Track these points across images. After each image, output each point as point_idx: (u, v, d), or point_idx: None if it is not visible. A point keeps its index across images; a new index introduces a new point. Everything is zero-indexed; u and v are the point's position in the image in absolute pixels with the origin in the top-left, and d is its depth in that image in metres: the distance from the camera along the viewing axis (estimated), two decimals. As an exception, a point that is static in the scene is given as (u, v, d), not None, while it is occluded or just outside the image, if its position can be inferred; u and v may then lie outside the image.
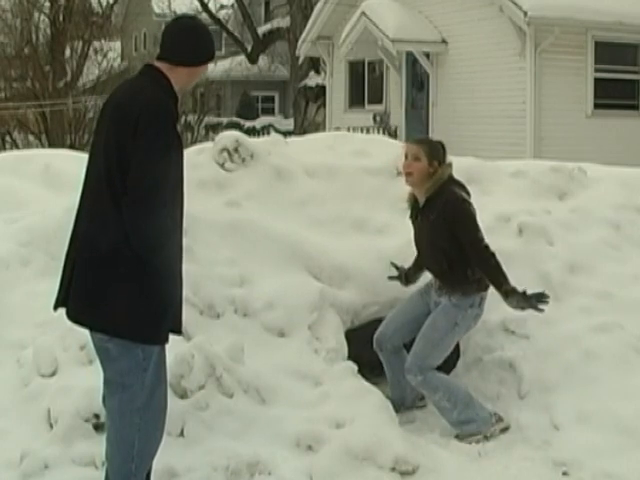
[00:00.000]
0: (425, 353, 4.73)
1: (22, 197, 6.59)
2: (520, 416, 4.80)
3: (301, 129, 25.30)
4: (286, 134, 11.54)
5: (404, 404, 5.05)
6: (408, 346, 4.89)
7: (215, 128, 28.84)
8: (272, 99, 36.58)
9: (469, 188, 4.94)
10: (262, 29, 32.62)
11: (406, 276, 5.11)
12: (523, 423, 4.76)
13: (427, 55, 16.99)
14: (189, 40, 3.57)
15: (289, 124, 28.99)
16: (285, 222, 5.44)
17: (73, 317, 3.49)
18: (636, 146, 14.71)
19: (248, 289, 4.99)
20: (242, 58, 33.63)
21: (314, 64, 26.10)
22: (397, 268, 5.13)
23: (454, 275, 4.74)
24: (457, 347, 5.11)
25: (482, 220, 4.83)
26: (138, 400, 3.46)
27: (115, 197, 3.35)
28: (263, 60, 33.89)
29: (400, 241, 5.40)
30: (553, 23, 14.45)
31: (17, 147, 26.80)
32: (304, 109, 27.41)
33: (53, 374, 4.45)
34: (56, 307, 3.56)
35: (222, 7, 35.87)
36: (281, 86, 35.38)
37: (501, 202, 5.98)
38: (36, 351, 4.53)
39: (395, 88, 18.16)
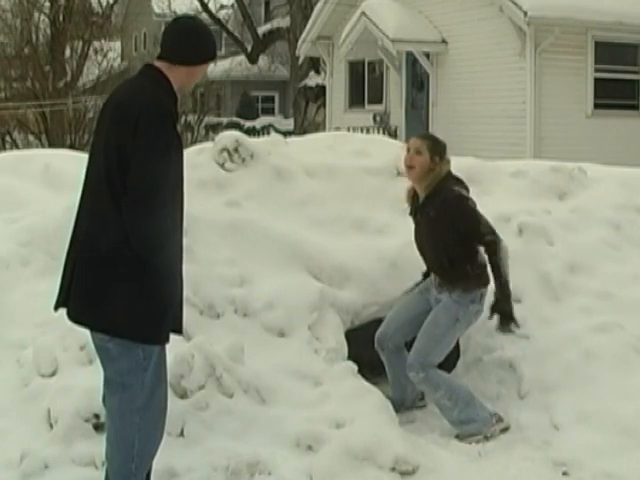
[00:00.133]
0: (427, 350, 4.73)
1: (22, 197, 6.59)
2: (520, 416, 4.80)
3: (301, 129, 25.30)
4: (286, 134, 11.54)
5: (404, 404, 5.05)
6: (409, 345, 4.90)
7: (215, 128, 28.83)
8: (272, 99, 36.57)
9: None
10: (262, 29, 32.62)
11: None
12: (523, 423, 4.76)
13: (427, 55, 16.99)
14: (189, 39, 3.57)
15: (289, 124, 28.99)
16: (285, 222, 5.45)
17: (74, 317, 3.49)
18: (636, 146, 14.71)
19: (248, 289, 4.99)
20: (242, 58, 33.62)
21: (314, 64, 26.10)
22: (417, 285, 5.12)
23: (454, 271, 4.74)
24: (457, 347, 5.11)
25: (482, 220, 4.84)
26: (138, 400, 3.46)
27: (115, 197, 3.35)
28: (263, 60, 33.89)
29: (400, 241, 5.40)
30: (553, 23, 14.45)
31: (17, 147, 26.80)
32: (304, 109, 27.41)
33: (53, 374, 4.45)
34: (57, 307, 3.56)
35: (222, 7, 35.86)
36: (281, 86, 35.38)
37: (501, 202, 5.98)
38: (36, 351, 4.53)
39: (395, 88, 18.16)
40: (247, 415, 4.31)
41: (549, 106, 14.81)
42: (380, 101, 18.67)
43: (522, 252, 5.55)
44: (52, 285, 3.72)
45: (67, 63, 29.88)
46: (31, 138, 28.40)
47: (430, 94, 17.21)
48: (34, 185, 6.92)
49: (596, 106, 15.27)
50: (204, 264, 4.96)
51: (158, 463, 3.70)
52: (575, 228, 5.94)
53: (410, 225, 5.00)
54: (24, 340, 4.73)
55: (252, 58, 32.85)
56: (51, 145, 25.02)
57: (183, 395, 4.27)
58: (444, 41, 16.70)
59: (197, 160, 5.71)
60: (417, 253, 5.01)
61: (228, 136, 5.92)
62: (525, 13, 14.19)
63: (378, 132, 16.92)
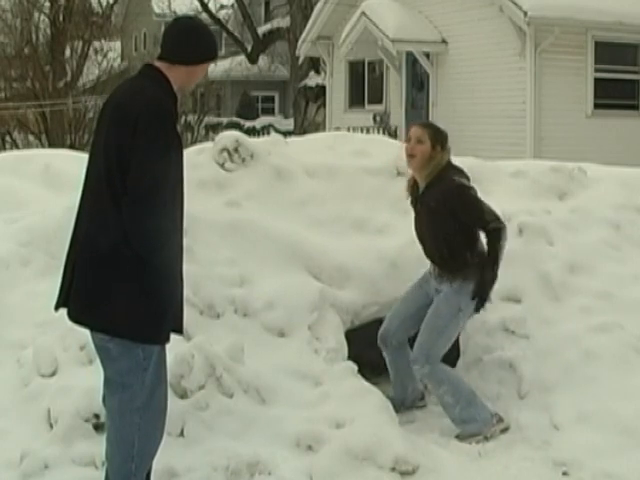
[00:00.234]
0: (431, 342, 4.73)
1: (22, 197, 6.59)
2: (520, 416, 4.80)
3: (301, 129, 25.29)
4: (286, 134, 11.54)
5: (404, 404, 5.05)
6: (412, 341, 4.89)
7: (215, 128, 28.83)
8: (272, 99, 36.56)
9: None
10: (262, 29, 32.61)
11: None
12: (523, 423, 4.76)
13: (427, 55, 16.99)
14: (188, 39, 3.57)
15: (289, 124, 28.98)
16: (285, 222, 5.44)
17: (74, 317, 3.49)
18: (636, 146, 14.71)
19: (248, 289, 4.99)
20: (242, 58, 33.61)
21: (314, 64, 26.09)
22: None
23: (454, 261, 4.74)
24: (457, 347, 5.11)
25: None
26: (138, 400, 3.46)
27: (115, 197, 3.35)
28: (263, 60, 33.88)
29: (400, 241, 5.40)
30: (553, 23, 14.45)
31: (17, 147, 26.79)
32: (304, 109, 27.41)
33: (53, 374, 4.45)
34: (57, 307, 3.57)
35: (222, 7, 35.85)
36: (281, 86, 35.37)
37: (501, 202, 5.96)
38: (36, 351, 4.53)
39: (395, 88, 18.16)
40: (247, 415, 4.31)
41: (549, 106, 14.81)
42: (380, 101, 18.67)
43: (522, 252, 5.55)
44: (52, 285, 3.72)
45: (67, 63, 29.88)
46: (31, 138, 28.40)
47: (430, 94, 17.21)
48: (34, 185, 6.92)
49: (596, 106, 15.27)
50: (204, 264, 4.96)
51: (158, 463, 3.70)
52: (575, 228, 5.94)
53: (410, 225, 5.00)
54: (24, 340, 4.73)
55: (252, 58, 32.85)
56: (51, 145, 25.01)
57: (183, 395, 4.27)
58: (444, 41, 16.70)
59: (197, 160, 5.71)
60: (417, 253, 5.01)
61: (228, 136, 5.92)
62: (525, 13, 14.19)
63: (378, 132, 16.92)
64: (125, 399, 3.46)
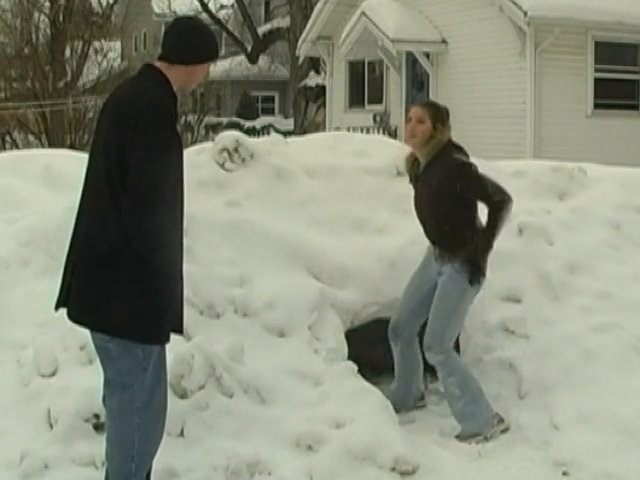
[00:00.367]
0: (443, 326, 4.73)
1: (22, 197, 6.59)
2: (520, 416, 4.80)
3: (301, 129, 25.29)
4: (286, 134, 11.54)
5: (406, 405, 5.03)
6: (420, 337, 4.89)
7: (215, 128, 28.82)
8: (272, 99, 36.55)
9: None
10: (262, 29, 32.61)
11: None
12: (523, 423, 4.76)
13: (427, 55, 16.99)
14: (188, 39, 3.57)
15: (289, 124, 28.98)
16: (285, 222, 5.45)
17: (74, 317, 3.49)
18: (636, 146, 14.71)
19: (248, 289, 4.99)
20: (242, 58, 33.61)
21: (314, 64, 26.09)
22: None
23: (454, 239, 4.73)
24: (457, 346, 5.11)
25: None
26: (138, 400, 3.46)
27: (115, 197, 3.35)
28: (263, 60, 33.87)
29: (400, 241, 5.40)
30: (553, 23, 14.44)
31: (17, 147, 26.79)
32: (304, 109, 27.40)
33: (53, 374, 4.45)
34: (57, 307, 3.57)
35: (222, 7, 35.85)
36: (281, 86, 35.37)
37: (501, 202, 5.98)
38: (36, 351, 4.53)
39: (395, 88, 18.16)
40: (247, 415, 4.31)
41: (549, 106, 14.81)
42: (380, 101, 18.67)
43: (522, 252, 5.56)
44: (52, 285, 3.72)
45: (67, 63, 29.87)
46: (31, 138, 28.39)
47: (430, 94, 17.19)
48: (34, 185, 6.91)
49: (596, 106, 15.27)
50: (204, 264, 4.96)
51: (158, 463, 3.70)
52: (575, 228, 5.94)
53: (410, 225, 5.01)
54: (24, 340, 4.73)
55: (252, 58, 32.84)
56: (51, 145, 25.01)
57: (183, 395, 4.27)
58: (444, 41, 16.69)
59: (197, 160, 5.71)
60: (417, 253, 5.01)
61: (228, 136, 5.92)
62: (525, 13, 14.18)
63: (378, 132, 16.91)
64: (125, 399, 3.47)
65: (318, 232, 5.49)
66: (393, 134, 16.77)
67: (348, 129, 14.09)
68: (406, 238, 5.25)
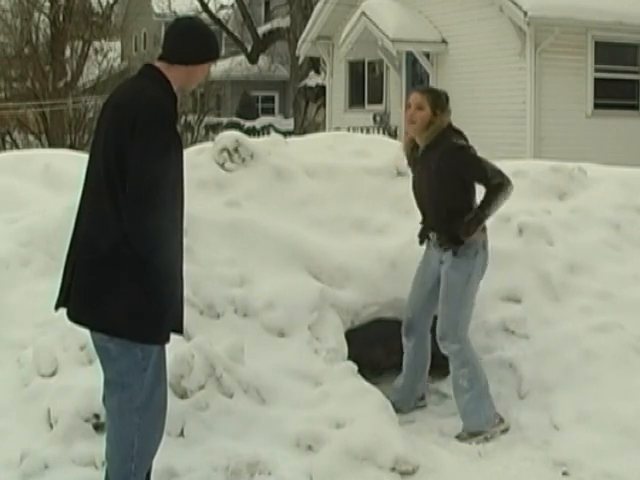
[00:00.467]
0: (454, 314, 4.73)
1: (22, 197, 6.59)
2: (520, 416, 4.80)
3: (301, 129, 25.29)
4: (286, 134, 11.53)
5: (408, 402, 5.03)
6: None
7: (215, 128, 28.81)
8: (272, 99, 36.55)
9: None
10: (262, 29, 32.60)
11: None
12: (523, 423, 4.76)
13: (427, 55, 16.99)
14: (188, 39, 3.57)
15: (289, 124, 28.98)
16: (285, 222, 5.45)
17: (74, 317, 3.50)
18: (636, 146, 14.70)
19: (248, 289, 4.99)
20: (242, 58, 33.60)
21: (314, 64, 26.08)
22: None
23: (453, 223, 4.73)
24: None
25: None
26: (137, 400, 3.46)
27: (115, 197, 3.35)
28: (263, 60, 33.86)
29: (400, 241, 5.40)
30: (553, 23, 14.44)
31: (17, 147, 26.78)
32: (304, 109, 27.40)
33: (53, 374, 4.45)
34: (57, 307, 3.57)
35: (222, 7, 35.83)
36: (281, 86, 35.36)
37: (501, 202, 5.98)
38: (36, 351, 4.53)
39: (395, 88, 18.15)
40: (247, 415, 4.31)
41: (549, 106, 14.80)
42: (380, 101, 18.66)
43: (522, 252, 5.56)
44: (52, 285, 3.72)
45: (67, 63, 29.86)
46: (31, 138, 28.38)
47: (430, 94, 17.18)
48: (34, 185, 6.92)
49: (596, 106, 15.26)
50: (204, 264, 4.96)
51: (158, 463, 3.70)
52: (575, 228, 5.94)
53: (410, 225, 5.00)
54: (24, 340, 4.73)
55: (252, 58, 32.84)
56: (51, 145, 25.00)
57: (183, 395, 4.27)
58: (444, 41, 16.69)
59: (197, 160, 5.71)
60: (417, 253, 5.01)
61: (228, 136, 5.92)
62: (525, 13, 14.18)
63: (378, 132, 16.91)
64: (125, 399, 3.47)
65: (318, 232, 5.49)
66: (393, 134, 16.77)
67: (348, 129, 14.08)
68: (406, 238, 5.24)
